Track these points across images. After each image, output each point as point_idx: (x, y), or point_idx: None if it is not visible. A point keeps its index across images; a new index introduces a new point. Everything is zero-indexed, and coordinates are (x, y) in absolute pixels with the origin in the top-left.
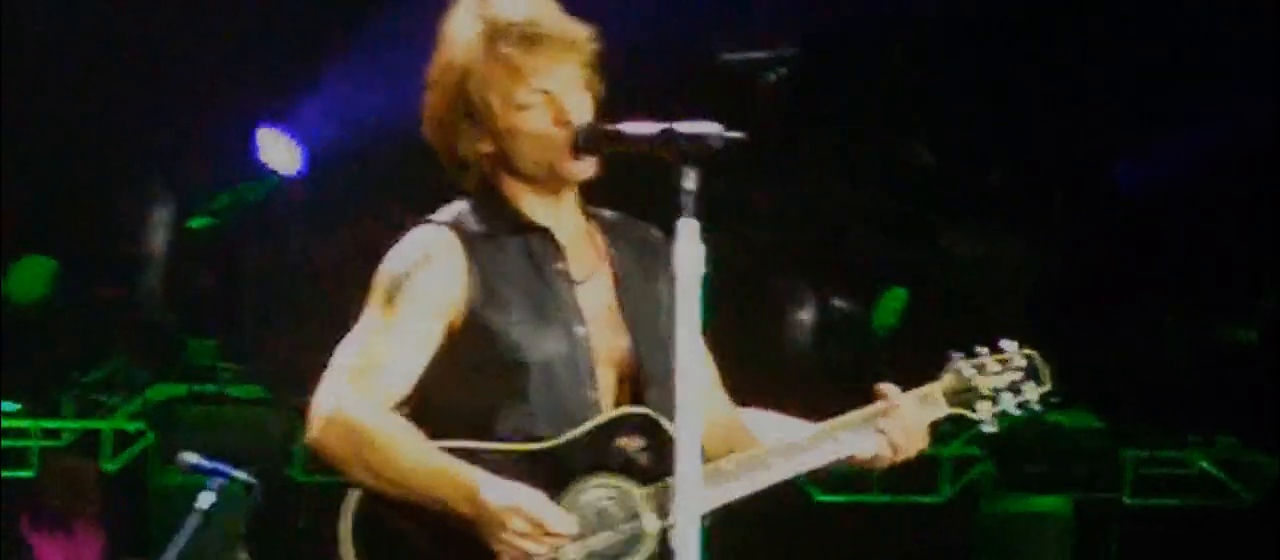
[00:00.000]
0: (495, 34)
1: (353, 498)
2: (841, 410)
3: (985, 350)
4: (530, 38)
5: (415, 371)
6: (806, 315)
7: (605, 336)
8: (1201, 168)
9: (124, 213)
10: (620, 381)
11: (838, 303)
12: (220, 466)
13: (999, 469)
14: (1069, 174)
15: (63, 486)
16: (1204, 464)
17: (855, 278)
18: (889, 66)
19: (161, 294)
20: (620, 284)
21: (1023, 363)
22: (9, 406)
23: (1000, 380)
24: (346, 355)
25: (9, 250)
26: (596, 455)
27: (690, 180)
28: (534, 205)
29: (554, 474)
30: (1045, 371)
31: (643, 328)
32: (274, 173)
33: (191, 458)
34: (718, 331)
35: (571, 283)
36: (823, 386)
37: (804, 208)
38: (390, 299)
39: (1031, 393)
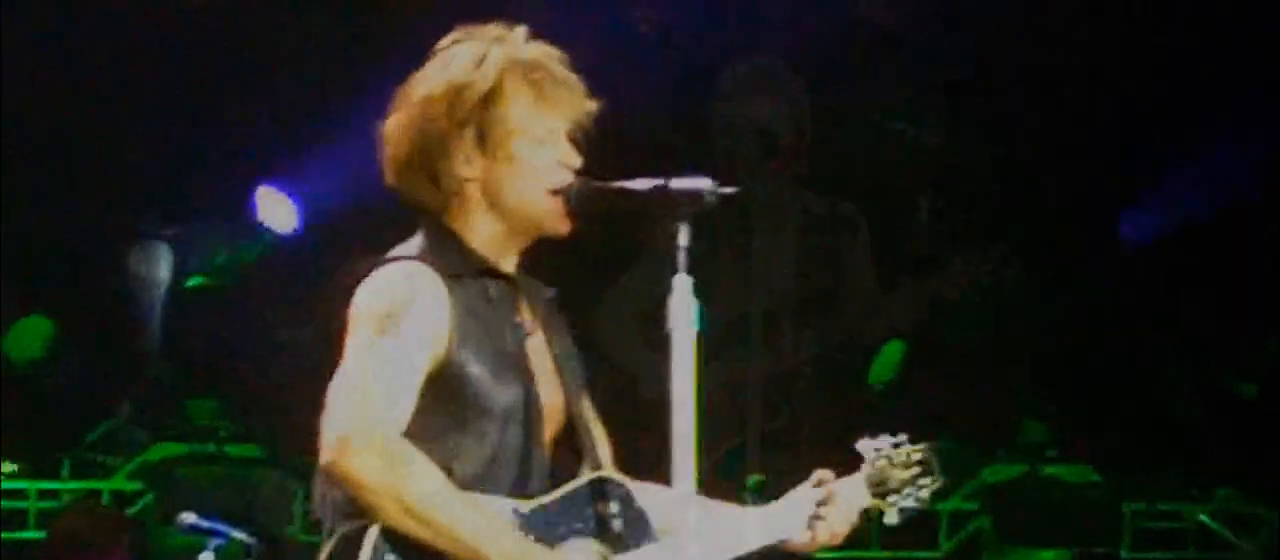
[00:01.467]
0: (524, 64)
1: (369, 543)
2: (842, 464)
3: (887, 440)
4: (555, 77)
5: (412, 404)
6: (804, 367)
7: (547, 389)
8: (1202, 220)
9: (121, 273)
10: (554, 435)
11: (835, 355)
12: (219, 526)
13: (997, 523)
14: (1070, 226)
15: (92, 528)
16: (1204, 518)
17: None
18: (888, 119)
19: (160, 354)
20: (549, 338)
21: (920, 456)
22: (6, 468)
23: (906, 474)
24: (354, 383)
25: (7, 311)
26: (574, 518)
27: (684, 236)
28: (493, 249)
29: (534, 533)
30: (939, 468)
31: (571, 383)
32: (271, 231)
33: (191, 518)
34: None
35: (524, 334)
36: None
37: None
38: (385, 330)
39: (927, 488)
